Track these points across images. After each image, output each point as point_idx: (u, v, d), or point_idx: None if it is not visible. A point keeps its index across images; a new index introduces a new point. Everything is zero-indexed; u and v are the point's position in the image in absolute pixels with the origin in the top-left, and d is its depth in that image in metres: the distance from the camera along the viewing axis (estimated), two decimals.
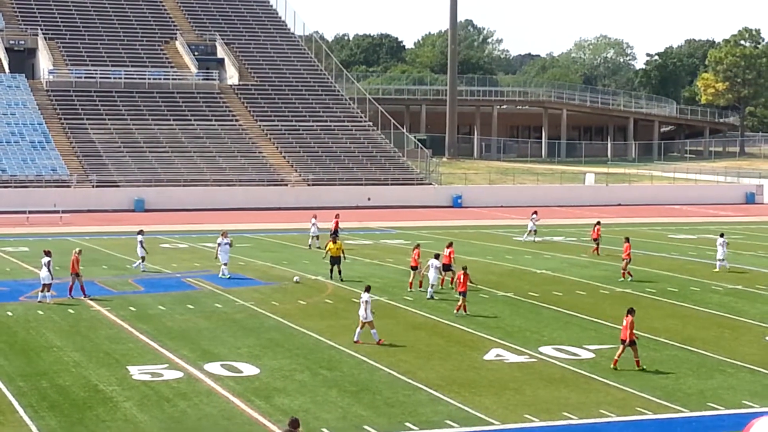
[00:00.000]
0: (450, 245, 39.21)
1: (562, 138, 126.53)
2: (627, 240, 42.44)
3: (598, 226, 50.14)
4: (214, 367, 25.87)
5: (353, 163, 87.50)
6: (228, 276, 41.00)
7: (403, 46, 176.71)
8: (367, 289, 29.11)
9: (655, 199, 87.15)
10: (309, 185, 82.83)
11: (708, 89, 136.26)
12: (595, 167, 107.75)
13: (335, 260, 41.12)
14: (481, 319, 32.61)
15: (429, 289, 36.45)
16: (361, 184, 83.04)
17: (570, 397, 23.41)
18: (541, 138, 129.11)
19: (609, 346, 28.58)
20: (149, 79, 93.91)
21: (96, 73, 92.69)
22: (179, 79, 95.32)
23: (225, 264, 41.37)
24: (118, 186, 78.42)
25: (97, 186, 77.67)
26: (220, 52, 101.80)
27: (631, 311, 26.17)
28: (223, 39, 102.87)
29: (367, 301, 28.54)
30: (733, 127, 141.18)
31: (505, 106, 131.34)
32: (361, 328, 28.81)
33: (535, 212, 57.49)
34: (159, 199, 76.54)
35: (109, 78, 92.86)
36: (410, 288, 38.04)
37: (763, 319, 32.92)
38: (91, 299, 35.38)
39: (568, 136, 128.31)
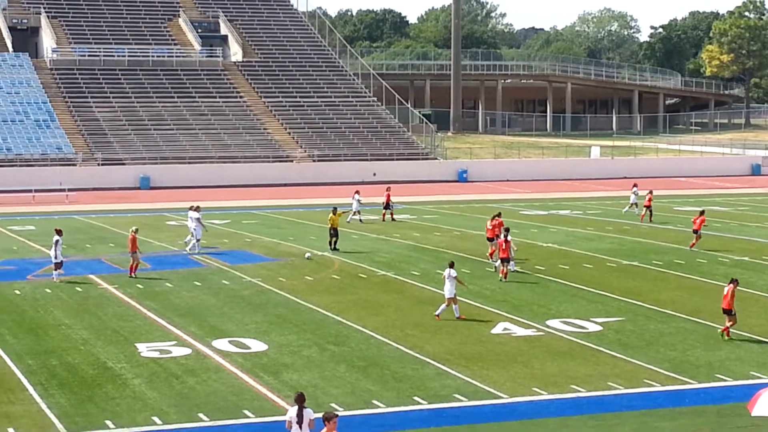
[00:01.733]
0: (498, 216, 39.54)
1: (567, 111, 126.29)
2: (702, 213, 42.60)
3: (650, 195, 51.21)
4: (222, 344, 25.93)
5: (358, 138, 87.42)
6: (198, 251, 41.01)
7: (407, 21, 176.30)
8: (451, 265, 28.89)
9: (660, 171, 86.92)
10: (314, 161, 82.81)
11: (713, 61, 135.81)
12: (601, 140, 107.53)
13: (334, 232, 41.38)
14: (488, 292, 32.64)
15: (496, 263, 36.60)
16: (367, 160, 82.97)
17: (578, 369, 23.45)
18: (545, 112, 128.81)
19: (616, 318, 28.64)
20: (153, 56, 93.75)
21: (99, 52, 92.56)
22: (183, 56, 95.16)
23: (198, 240, 41.42)
24: (123, 164, 78.46)
25: (102, 164, 77.69)
26: (224, 29, 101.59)
27: (734, 281, 26.47)
28: (226, 16, 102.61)
29: (450, 277, 28.40)
30: (738, 99, 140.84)
31: (509, 80, 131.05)
32: (447, 305, 28.63)
33: (635, 185, 57.52)
34: (164, 176, 76.56)
35: (113, 56, 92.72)
36: (491, 258, 37.97)
37: None
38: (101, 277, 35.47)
39: (572, 109, 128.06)
